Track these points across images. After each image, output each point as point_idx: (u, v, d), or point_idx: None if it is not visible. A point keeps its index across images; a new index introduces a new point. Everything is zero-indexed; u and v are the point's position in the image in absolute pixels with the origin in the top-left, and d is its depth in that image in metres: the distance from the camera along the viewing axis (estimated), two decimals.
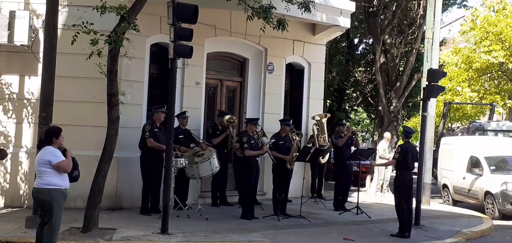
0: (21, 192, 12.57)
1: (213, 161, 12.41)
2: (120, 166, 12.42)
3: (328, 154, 16.24)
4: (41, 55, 11.36)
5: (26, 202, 12.29)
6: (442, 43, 27.51)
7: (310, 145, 15.08)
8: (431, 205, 17.13)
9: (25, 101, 12.76)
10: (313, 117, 16.12)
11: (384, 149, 18.81)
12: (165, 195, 10.35)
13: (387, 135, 19.63)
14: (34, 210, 9.89)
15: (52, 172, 7.81)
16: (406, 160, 11.83)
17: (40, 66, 11.30)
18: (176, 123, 12.14)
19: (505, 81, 28.24)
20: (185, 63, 13.33)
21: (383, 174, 19.46)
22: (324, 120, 15.97)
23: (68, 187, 8.00)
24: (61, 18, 11.60)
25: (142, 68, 13.12)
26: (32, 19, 12.44)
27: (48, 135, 8.14)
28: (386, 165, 13.71)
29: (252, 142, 12.36)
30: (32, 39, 12.44)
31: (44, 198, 7.87)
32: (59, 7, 11.09)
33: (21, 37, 12.20)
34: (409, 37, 21.61)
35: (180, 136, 12.61)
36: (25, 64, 12.64)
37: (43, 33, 11.24)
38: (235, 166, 13.50)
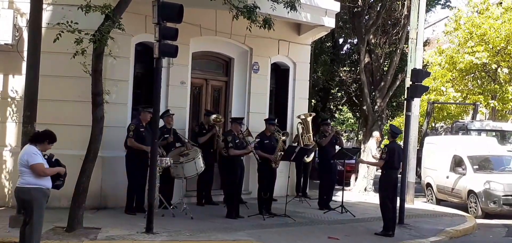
0: (5, 191, 12.49)
1: (198, 161, 12.41)
2: (105, 165, 12.38)
3: (313, 153, 16.29)
4: (25, 54, 11.29)
5: (10, 201, 12.22)
6: (426, 43, 27.79)
7: (295, 144, 15.13)
8: (415, 204, 17.25)
9: (9, 100, 12.69)
10: (299, 116, 16.18)
11: (376, 148, 18.84)
12: (150, 194, 10.34)
13: (376, 134, 19.76)
14: (18, 209, 9.82)
15: (31, 171, 7.78)
16: (393, 159, 11.89)
17: (24, 65, 11.22)
18: (162, 123, 12.17)
19: (488, 82, 28.50)
20: (170, 62, 13.32)
21: (373, 173, 19.59)
22: (309, 119, 16.03)
23: (50, 187, 7.95)
24: (46, 17, 11.55)
25: (127, 68, 13.09)
26: (16, 18, 12.36)
27: (43, 135, 8.06)
28: (375, 164, 13.80)
29: (237, 141, 12.39)
30: (16, 38, 12.37)
31: (25, 197, 7.84)
32: (44, 6, 11.06)
33: (5, 36, 12.12)
34: (394, 37, 21.70)
35: (165, 135, 12.59)
36: (9, 63, 12.57)
37: (28, 32, 11.19)
38: (220, 165, 13.54)
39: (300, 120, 16.02)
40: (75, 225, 9.89)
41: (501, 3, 28.10)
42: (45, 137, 8.04)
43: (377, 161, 12.77)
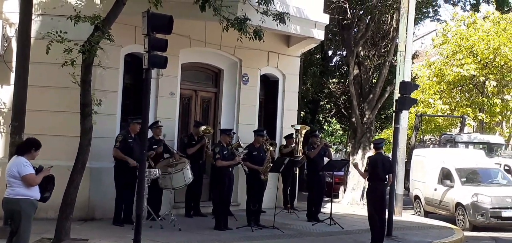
0: None
1: (187, 172, 12.39)
2: (93, 176, 12.33)
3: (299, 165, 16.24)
4: (14, 64, 11.24)
5: None
6: (414, 56, 27.93)
7: (284, 157, 15.08)
8: (403, 216, 17.27)
9: None
10: (293, 126, 16.11)
11: None
12: (138, 205, 10.28)
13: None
14: (5, 220, 9.74)
15: (21, 182, 7.74)
16: (376, 171, 11.89)
17: (12, 75, 11.19)
18: (150, 134, 12.14)
19: (476, 94, 28.69)
20: (159, 73, 13.28)
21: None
22: (304, 132, 15.98)
23: (38, 198, 7.92)
24: (35, 27, 11.51)
25: (116, 78, 13.06)
26: (5, 28, 12.33)
27: (28, 144, 8.06)
28: (361, 174, 13.84)
29: (225, 152, 12.36)
30: (5, 48, 12.32)
31: (13, 208, 7.80)
32: (33, 16, 11.02)
33: None
34: (382, 50, 21.79)
35: (154, 147, 12.56)
36: None
37: (16, 42, 11.15)
38: (211, 176, 13.52)
39: (295, 130, 15.93)
40: (62, 237, 9.83)
41: (486, 16, 28.36)
42: (31, 145, 8.01)
43: (363, 173, 12.81)
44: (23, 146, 8.09)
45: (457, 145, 23.89)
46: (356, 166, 15.07)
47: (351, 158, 21.47)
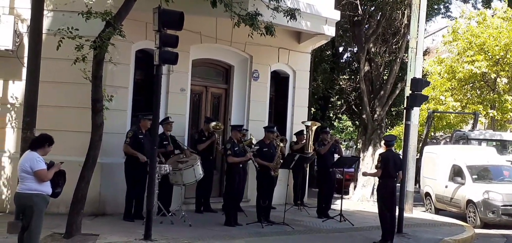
0: (4, 196, 12.49)
1: (197, 168, 12.41)
2: (104, 171, 12.37)
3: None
4: (25, 60, 11.30)
5: (8, 206, 12.21)
6: (425, 52, 27.82)
7: (296, 151, 15.09)
8: (414, 213, 17.23)
9: (9, 106, 12.70)
10: (303, 122, 16.08)
11: None
12: (149, 201, 10.33)
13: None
14: (16, 215, 9.82)
15: (33, 177, 7.79)
16: (387, 168, 11.87)
17: (24, 71, 11.24)
18: (161, 130, 12.17)
19: (487, 91, 28.55)
20: (170, 69, 13.33)
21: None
22: (314, 128, 16.00)
23: (50, 193, 7.97)
24: (46, 23, 11.56)
25: (127, 74, 13.10)
26: (17, 23, 12.38)
27: (42, 140, 8.11)
28: (373, 175, 13.82)
29: (235, 149, 12.37)
30: (17, 44, 12.39)
31: (26, 203, 7.84)
32: (44, 12, 11.07)
33: (5, 42, 12.14)
34: (393, 46, 21.70)
35: (164, 142, 12.60)
36: (9, 69, 12.58)
37: (28, 38, 11.21)
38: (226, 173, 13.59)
39: (306, 126, 15.93)
40: (73, 232, 9.88)
41: (494, 14, 28.20)
42: (45, 140, 8.07)
43: (375, 172, 12.77)
44: (36, 141, 8.14)
45: (470, 142, 23.79)
46: (365, 174, 15.06)
47: (361, 154, 21.44)
